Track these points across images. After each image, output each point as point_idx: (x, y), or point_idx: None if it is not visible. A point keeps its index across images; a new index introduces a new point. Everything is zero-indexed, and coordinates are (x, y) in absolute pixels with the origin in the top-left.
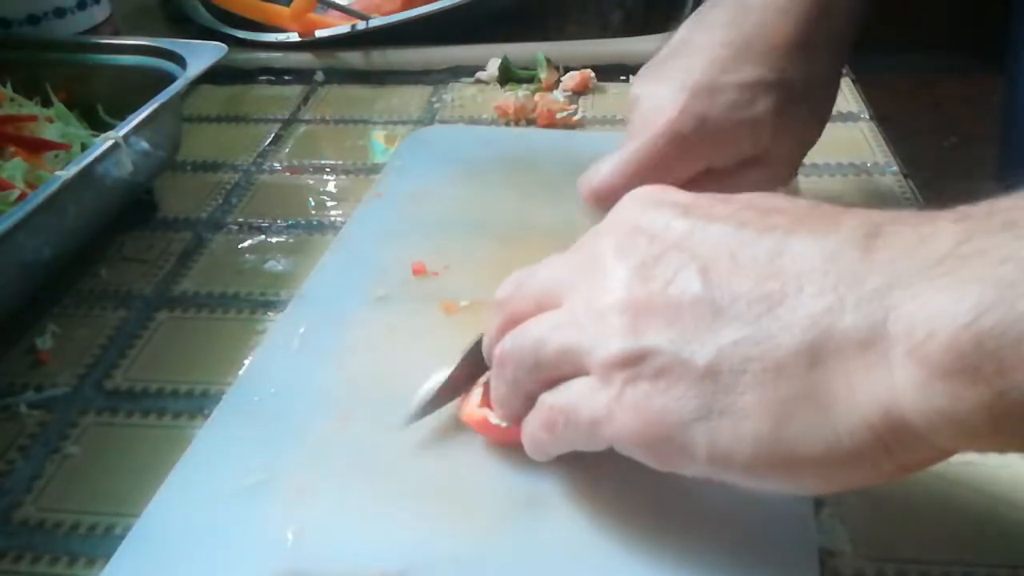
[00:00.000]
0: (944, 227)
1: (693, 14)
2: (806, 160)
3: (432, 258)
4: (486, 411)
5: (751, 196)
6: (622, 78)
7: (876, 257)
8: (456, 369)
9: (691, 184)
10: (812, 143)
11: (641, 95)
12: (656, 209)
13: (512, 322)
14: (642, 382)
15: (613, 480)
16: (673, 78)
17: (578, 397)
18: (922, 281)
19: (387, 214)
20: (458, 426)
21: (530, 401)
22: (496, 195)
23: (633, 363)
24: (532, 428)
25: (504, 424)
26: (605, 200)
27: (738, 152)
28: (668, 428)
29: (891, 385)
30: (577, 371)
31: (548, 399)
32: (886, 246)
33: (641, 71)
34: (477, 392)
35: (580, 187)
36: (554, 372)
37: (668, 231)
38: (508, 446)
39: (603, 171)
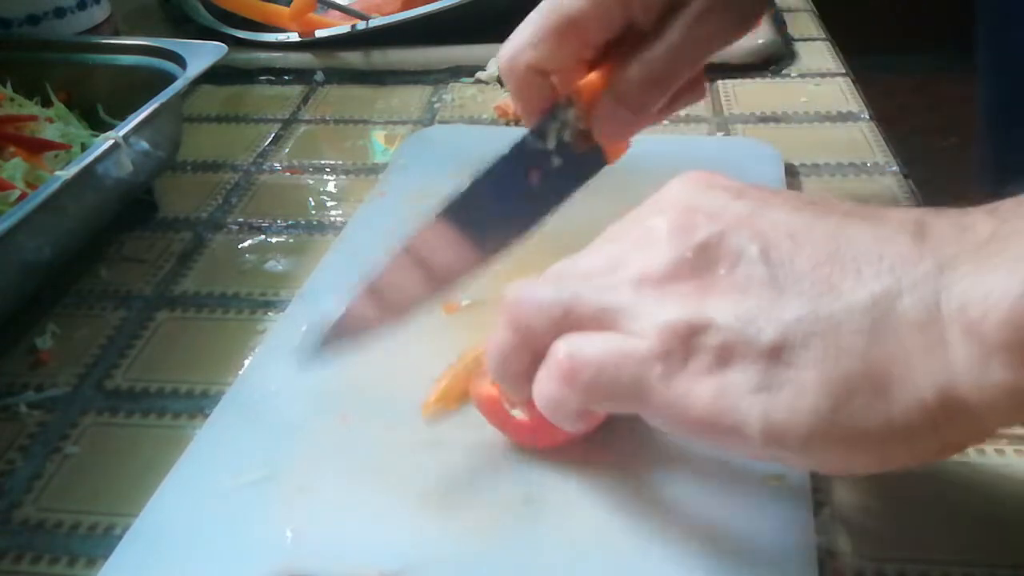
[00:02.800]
0: (980, 218)
1: None
2: (806, 160)
3: None
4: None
5: (796, 193)
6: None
7: (925, 243)
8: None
9: (620, 59)
10: None
11: None
12: (709, 191)
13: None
14: (701, 354)
15: (613, 480)
16: None
17: (619, 355)
18: (970, 262)
19: (390, 213)
20: (458, 426)
21: (534, 361)
22: None
23: (694, 333)
24: (546, 383)
25: (514, 412)
26: (522, 73)
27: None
28: (724, 403)
29: (948, 364)
30: (612, 330)
31: (565, 347)
32: (933, 235)
33: None
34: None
35: (498, 62)
36: (578, 328)
37: (726, 211)
38: (511, 433)
39: (514, 37)
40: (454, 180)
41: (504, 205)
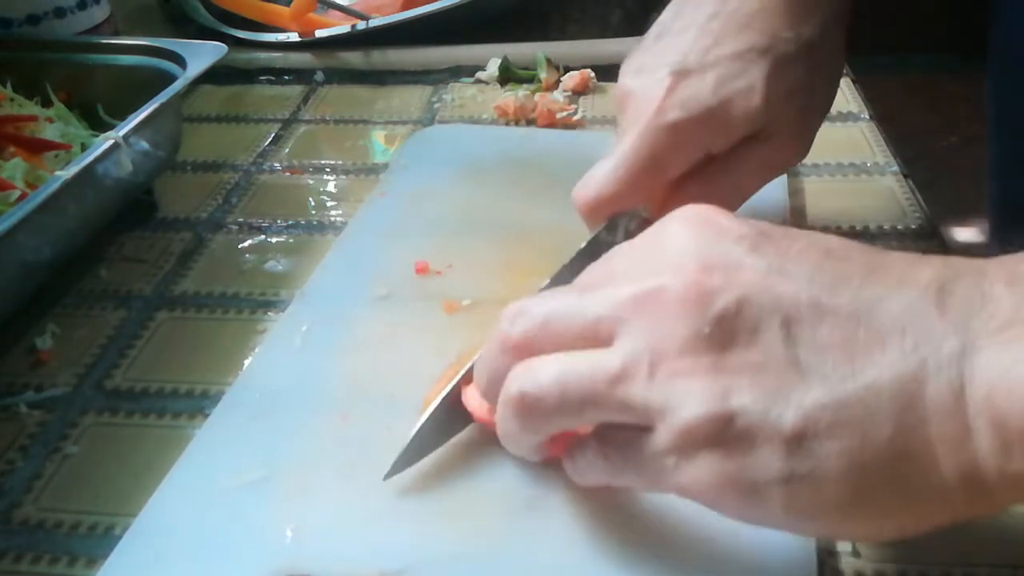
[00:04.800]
0: (1000, 290)
1: None
2: (806, 160)
3: (435, 257)
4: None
5: (809, 235)
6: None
7: (949, 316)
8: (429, 418)
9: (692, 177)
10: (818, 114)
11: (628, 87)
12: (720, 240)
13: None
14: (724, 444)
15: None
16: (659, 64)
17: (637, 452)
18: (993, 346)
19: (390, 213)
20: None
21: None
22: (500, 195)
23: (716, 426)
24: (578, 464)
25: None
26: (603, 211)
27: (733, 130)
28: (745, 488)
29: (972, 451)
30: (636, 423)
31: (605, 441)
32: (956, 305)
33: (627, 59)
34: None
35: (574, 200)
36: (603, 419)
37: (743, 270)
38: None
39: (596, 180)
40: (454, 180)
41: None
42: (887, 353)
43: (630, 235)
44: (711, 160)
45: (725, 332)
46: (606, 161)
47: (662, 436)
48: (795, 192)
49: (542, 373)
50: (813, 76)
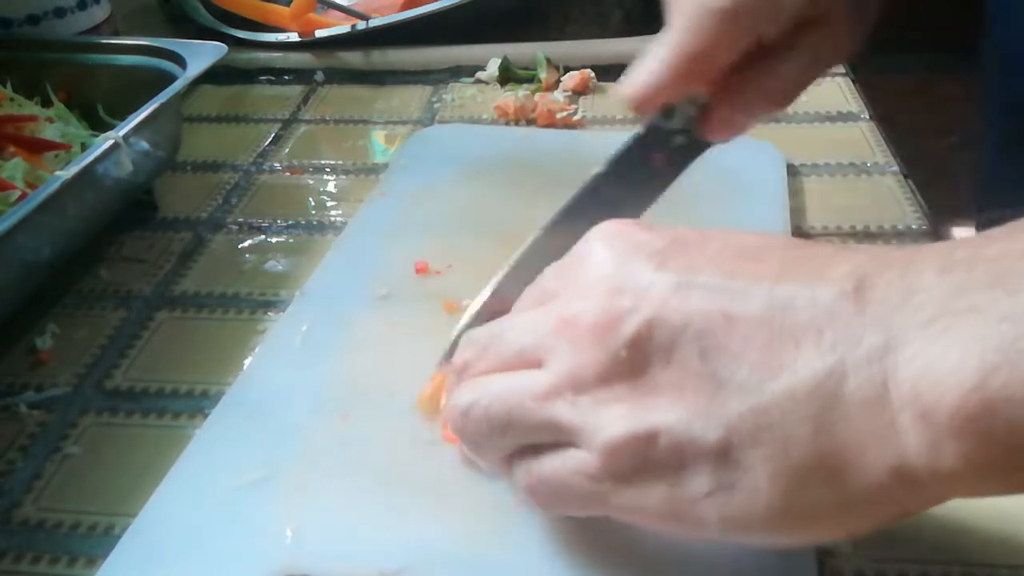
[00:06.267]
0: (931, 278)
1: None
2: (806, 160)
3: (435, 257)
4: None
5: (725, 235)
6: (622, 78)
7: (869, 310)
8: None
9: (746, 65)
10: (868, 8)
11: None
12: (631, 260)
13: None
14: (649, 464)
15: None
16: None
17: (571, 475)
18: (920, 339)
19: (391, 213)
20: None
21: (505, 454)
22: (501, 195)
23: (639, 446)
24: (520, 487)
25: None
26: (652, 103)
27: (784, 15)
28: (680, 506)
29: (901, 448)
30: (561, 442)
31: (532, 469)
32: (876, 298)
33: None
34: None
35: (623, 94)
36: (529, 440)
37: (652, 289)
38: None
39: (643, 71)
40: (455, 180)
41: (631, 186)
42: (802, 354)
43: (690, 122)
44: (764, 48)
45: (640, 355)
46: (654, 50)
47: (591, 459)
48: (795, 192)
49: (472, 391)
50: None
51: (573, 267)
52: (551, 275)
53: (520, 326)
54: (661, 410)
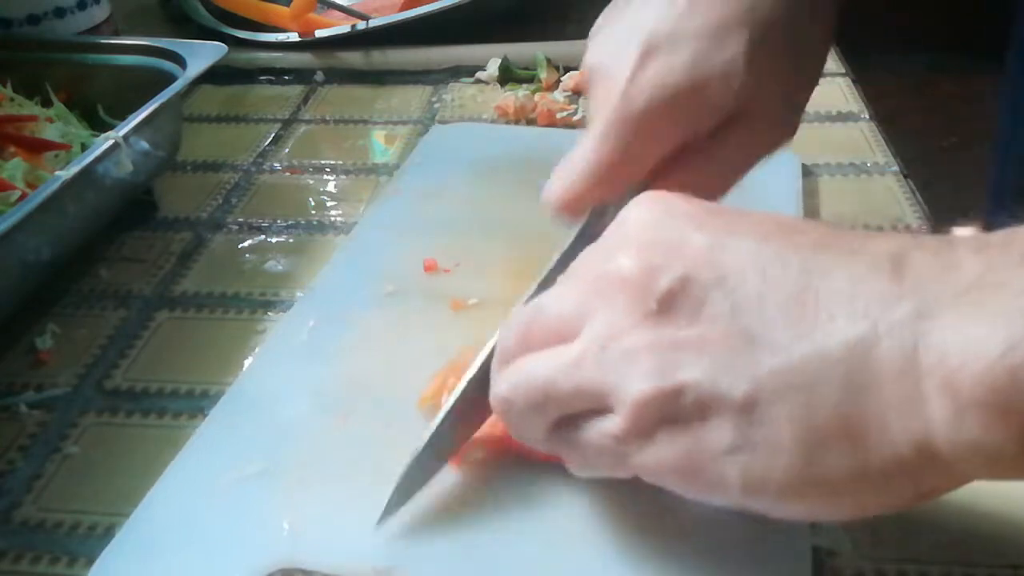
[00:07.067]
0: (966, 256)
1: None
2: (806, 160)
3: (444, 255)
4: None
5: (766, 212)
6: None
7: (903, 282)
8: (421, 453)
9: (671, 164)
10: (805, 90)
11: (594, 61)
12: (668, 220)
13: None
14: (675, 419)
15: (611, 479)
16: (627, 35)
17: (600, 437)
18: (950, 310)
19: (402, 210)
20: None
21: (547, 429)
22: (512, 194)
23: (666, 401)
24: (563, 457)
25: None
26: (576, 209)
27: (710, 115)
28: (701, 462)
29: (923, 417)
30: (596, 409)
31: (568, 437)
32: (912, 272)
33: (594, 28)
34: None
35: (545, 200)
36: (567, 410)
37: (687, 246)
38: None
39: (564, 178)
40: (467, 179)
41: None
42: (835, 318)
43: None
44: (690, 146)
45: (671, 308)
46: (574, 154)
47: (616, 417)
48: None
49: (511, 376)
50: (798, 47)
51: (610, 236)
52: (586, 256)
53: (558, 295)
54: (688, 365)
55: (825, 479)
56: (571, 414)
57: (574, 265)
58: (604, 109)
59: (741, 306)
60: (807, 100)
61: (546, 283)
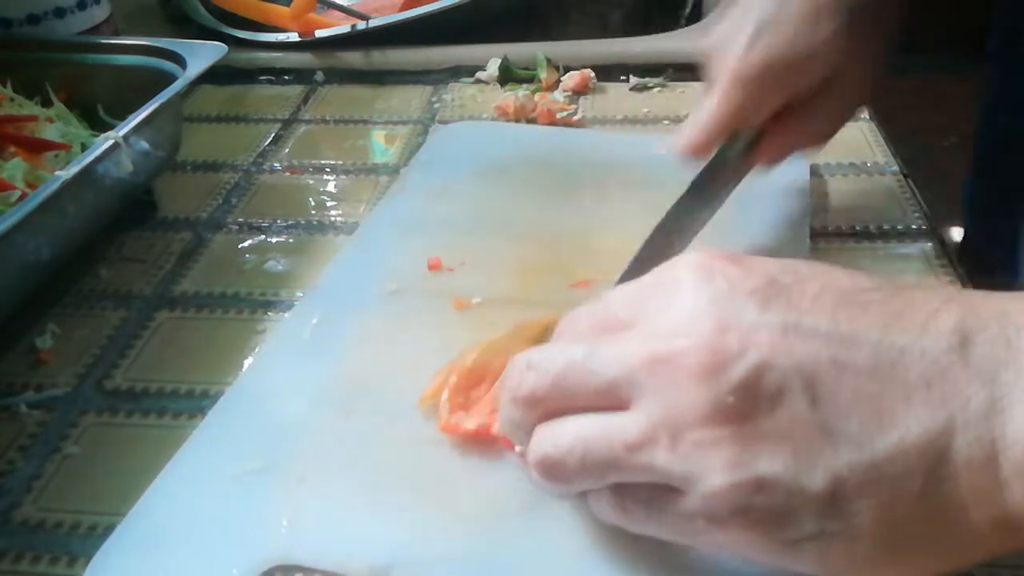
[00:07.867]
0: None
1: None
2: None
3: (448, 254)
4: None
5: (819, 275)
6: (622, 78)
7: (974, 369)
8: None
9: (777, 122)
10: (880, 63)
11: (713, 43)
12: (733, 297)
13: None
14: (755, 510)
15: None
16: (740, 21)
17: (666, 516)
18: (1021, 402)
19: (408, 208)
20: None
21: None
22: (518, 193)
23: (745, 494)
24: (606, 514)
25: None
26: (703, 151)
27: (808, 80)
28: (776, 547)
29: (1002, 499)
30: (659, 484)
31: (625, 504)
32: (978, 351)
33: (715, 18)
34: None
35: (673, 149)
36: (628, 480)
37: (759, 331)
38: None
39: (688, 132)
40: (474, 178)
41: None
42: (913, 409)
43: (748, 147)
44: (792, 107)
45: (748, 399)
46: (697, 113)
47: (690, 502)
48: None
49: (562, 438)
50: (879, 26)
51: (656, 297)
52: (620, 301)
53: (604, 357)
54: (766, 458)
55: (904, 563)
56: (631, 483)
57: (602, 312)
58: (724, 74)
59: (818, 396)
60: (888, 61)
61: (652, 243)
